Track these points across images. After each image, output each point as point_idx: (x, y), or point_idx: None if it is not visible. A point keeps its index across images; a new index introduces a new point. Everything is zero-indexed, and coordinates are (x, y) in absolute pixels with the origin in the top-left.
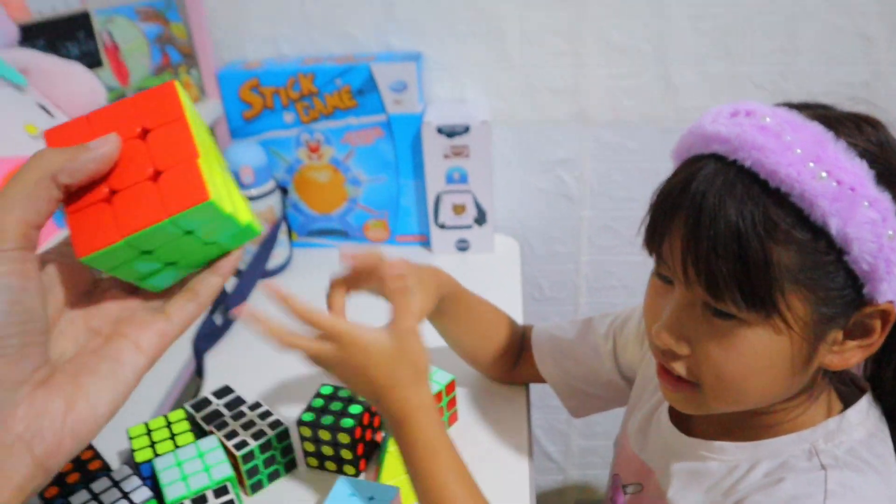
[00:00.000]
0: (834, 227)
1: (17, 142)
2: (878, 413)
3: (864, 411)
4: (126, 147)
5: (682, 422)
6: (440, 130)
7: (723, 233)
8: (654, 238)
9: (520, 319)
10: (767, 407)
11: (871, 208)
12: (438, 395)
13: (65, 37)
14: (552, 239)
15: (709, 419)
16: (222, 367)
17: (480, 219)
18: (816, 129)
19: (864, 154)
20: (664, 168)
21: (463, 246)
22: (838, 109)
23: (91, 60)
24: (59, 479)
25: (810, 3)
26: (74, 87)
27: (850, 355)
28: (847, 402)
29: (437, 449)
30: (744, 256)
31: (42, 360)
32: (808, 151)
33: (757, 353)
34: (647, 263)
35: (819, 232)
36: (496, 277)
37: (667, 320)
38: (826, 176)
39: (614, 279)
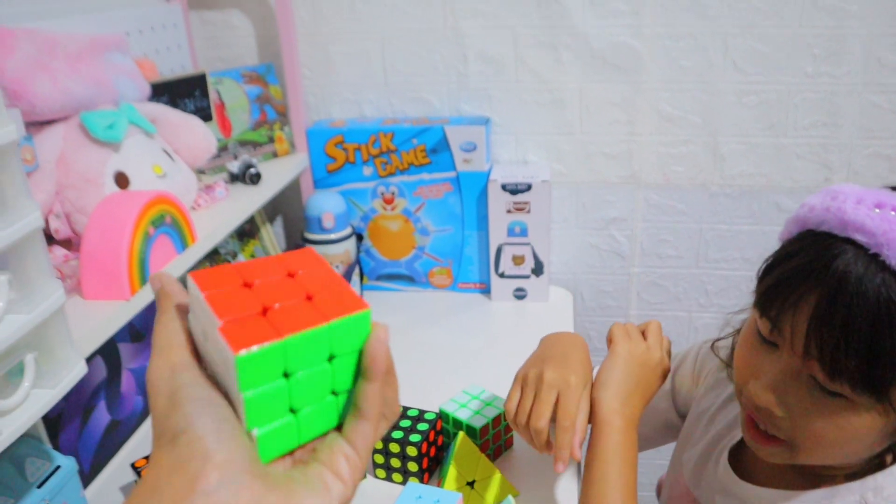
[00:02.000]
0: None
1: (147, 179)
2: None
3: None
4: (276, 282)
5: (740, 463)
6: (504, 187)
7: (859, 321)
8: (775, 306)
9: None
10: (833, 464)
11: None
12: (497, 420)
13: (184, 94)
14: (603, 293)
15: (764, 463)
16: None
17: (538, 270)
18: None
19: None
20: (710, 229)
21: (520, 294)
22: None
23: (203, 115)
24: None
25: (848, 82)
26: (192, 136)
27: None
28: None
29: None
30: (875, 349)
31: None
32: None
33: (856, 430)
34: (692, 320)
35: None
36: (550, 325)
37: (770, 382)
38: None
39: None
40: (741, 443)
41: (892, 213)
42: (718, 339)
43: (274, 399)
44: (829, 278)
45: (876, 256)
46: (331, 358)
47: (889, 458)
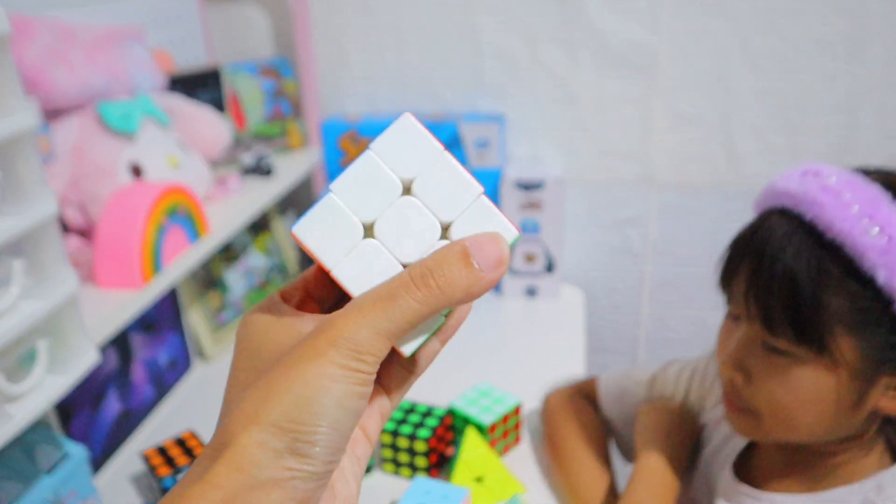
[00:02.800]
0: (881, 277)
1: (161, 170)
2: None
3: None
4: None
5: (744, 471)
6: (518, 184)
7: (780, 275)
8: (725, 277)
9: (581, 366)
10: (822, 448)
11: None
12: (505, 418)
13: (199, 86)
14: (615, 291)
15: (768, 466)
16: None
17: (549, 267)
18: (875, 190)
19: None
20: (724, 229)
21: (532, 291)
22: None
23: (217, 107)
24: (170, 461)
25: (867, 82)
26: (207, 128)
27: None
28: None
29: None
30: (797, 297)
31: None
32: (864, 209)
33: (806, 388)
34: (705, 319)
35: (868, 282)
36: (561, 323)
37: (731, 353)
38: (878, 231)
39: (672, 332)
40: (746, 451)
41: (812, 176)
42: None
43: None
44: (756, 244)
45: (800, 217)
46: None
47: (888, 460)
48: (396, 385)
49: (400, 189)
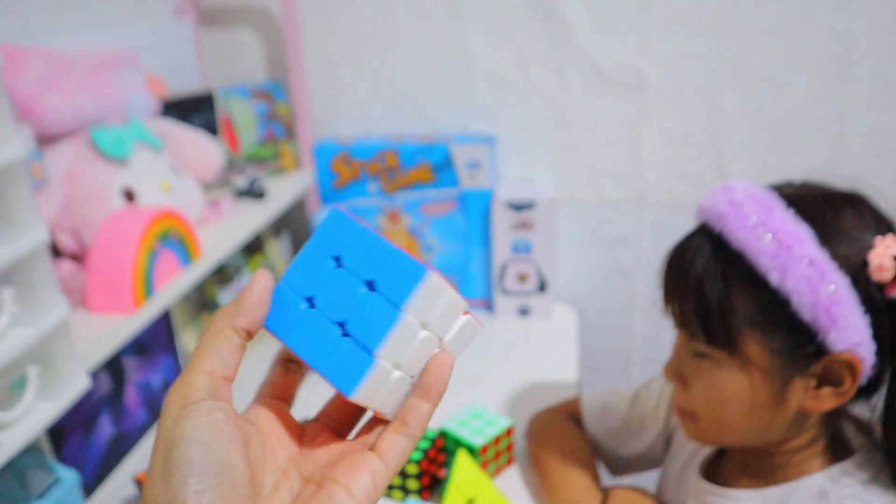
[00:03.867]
0: (774, 280)
1: (154, 195)
2: (879, 463)
3: (866, 460)
4: None
5: (712, 474)
6: (509, 205)
7: (691, 281)
8: (662, 290)
9: (574, 386)
10: (770, 447)
11: (809, 266)
12: (497, 439)
13: (192, 110)
14: (608, 311)
15: (732, 466)
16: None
17: (542, 287)
18: (772, 200)
19: (809, 218)
20: None
21: (524, 311)
22: (824, 187)
23: (211, 131)
24: None
25: (857, 100)
26: (199, 152)
27: (825, 401)
28: (852, 453)
29: None
30: (705, 301)
31: None
32: (762, 219)
33: (726, 388)
34: None
35: (766, 285)
36: (554, 343)
37: (672, 361)
38: (770, 238)
39: (665, 352)
40: (716, 454)
41: (723, 191)
42: None
43: None
44: (676, 255)
45: (710, 230)
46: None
47: (841, 455)
48: (389, 446)
49: (423, 333)
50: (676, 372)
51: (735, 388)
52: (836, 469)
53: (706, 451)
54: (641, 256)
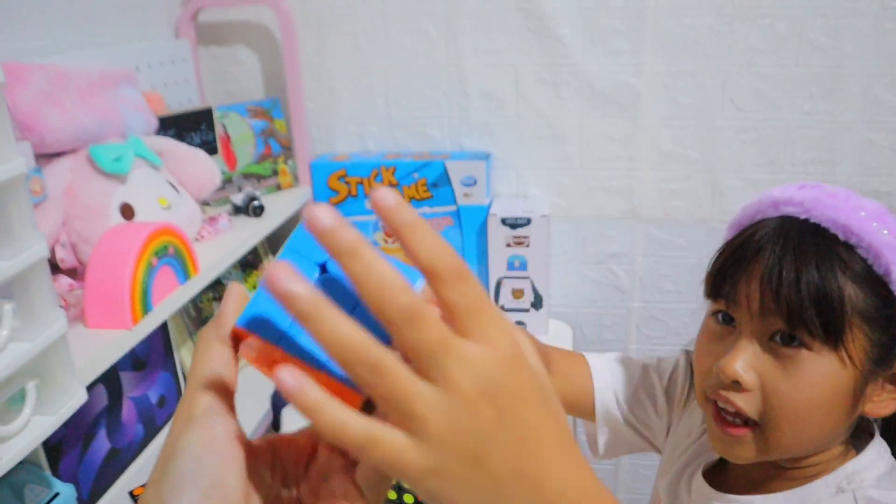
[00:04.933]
0: (895, 273)
1: (152, 211)
2: (889, 451)
3: (878, 452)
4: None
5: (716, 481)
6: (504, 221)
7: (804, 270)
8: (727, 283)
9: None
10: (806, 456)
11: None
12: None
13: (191, 127)
14: (603, 327)
15: (742, 476)
16: (297, 422)
17: (537, 303)
18: (874, 202)
19: None
20: None
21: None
22: None
23: (209, 148)
24: None
25: (846, 120)
26: (197, 169)
27: (886, 405)
28: (856, 446)
29: None
30: (823, 289)
31: None
32: (871, 214)
33: (822, 384)
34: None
35: (881, 279)
36: None
37: (736, 352)
38: (888, 233)
39: None
40: (717, 463)
41: (812, 188)
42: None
43: None
44: (773, 245)
45: (806, 220)
46: None
47: (851, 452)
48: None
49: None
50: (751, 367)
51: (832, 385)
52: (850, 465)
53: (710, 455)
54: (636, 272)
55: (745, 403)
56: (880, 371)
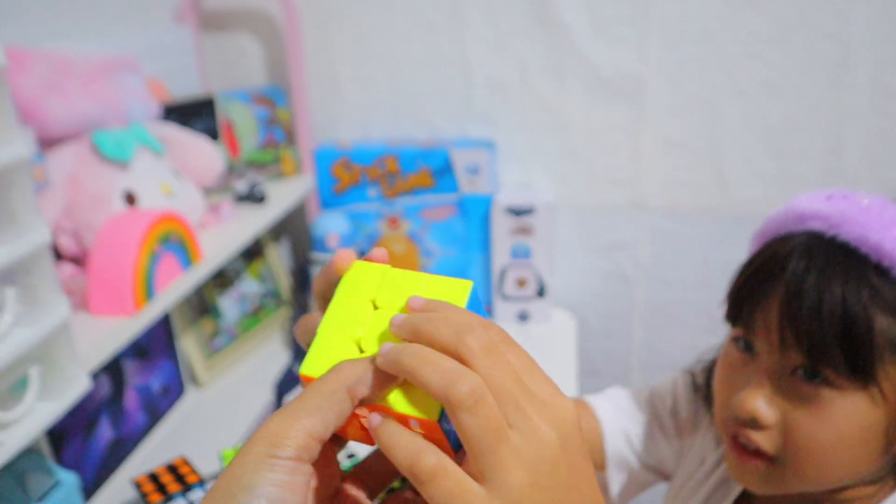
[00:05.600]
0: None
1: (155, 198)
2: None
3: None
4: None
5: None
6: (508, 210)
7: (828, 298)
8: (745, 307)
9: (572, 390)
10: (836, 493)
11: None
12: None
13: (193, 115)
14: (607, 316)
15: None
16: None
17: (541, 292)
18: None
19: None
20: (716, 254)
21: (523, 316)
22: None
23: (212, 135)
24: (161, 488)
25: (855, 107)
26: (200, 156)
27: None
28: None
29: None
30: (848, 321)
31: None
32: None
33: (849, 424)
34: (697, 344)
35: None
36: (553, 348)
37: (755, 386)
38: None
39: (664, 358)
40: (743, 497)
41: (842, 199)
42: (695, 371)
43: None
44: (793, 267)
45: (833, 238)
46: None
47: (890, 481)
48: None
49: None
50: (771, 402)
51: (861, 424)
52: (890, 502)
53: (735, 489)
54: (641, 261)
55: (764, 440)
56: None
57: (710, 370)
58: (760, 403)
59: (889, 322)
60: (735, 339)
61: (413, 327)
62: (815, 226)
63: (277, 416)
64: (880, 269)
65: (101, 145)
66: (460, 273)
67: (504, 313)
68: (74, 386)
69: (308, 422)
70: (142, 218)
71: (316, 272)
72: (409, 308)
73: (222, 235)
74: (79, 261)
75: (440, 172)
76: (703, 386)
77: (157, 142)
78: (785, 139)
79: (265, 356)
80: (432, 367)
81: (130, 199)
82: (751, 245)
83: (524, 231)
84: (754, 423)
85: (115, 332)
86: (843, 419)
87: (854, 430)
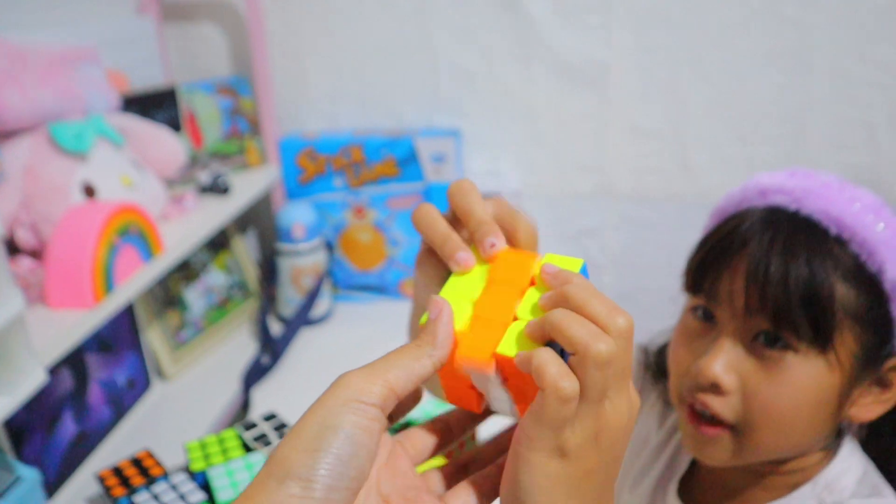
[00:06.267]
0: (890, 272)
1: (114, 190)
2: (860, 449)
3: (850, 452)
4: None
5: (686, 493)
6: None
7: (794, 267)
8: (708, 277)
9: None
10: (780, 465)
11: None
12: None
13: (155, 106)
14: None
15: (717, 487)
16: (266, 402)
17: None
18: (869, 192)
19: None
20: (682, 240)
21: None
22: None
23: (174, 126)
24: (125, 481)
25: (818, 93)
26: (162, 148)
27: (871, 409)
28: (832, 448)
29: None
30: (812, 288)
31: None
32: (867, 206)
33: (807, 388)
34: (668, 331)
35: (873, 277)
36: None
37: (716, 352)
38: (884, 227)
39: (634, 344)
40: (689, 474)
41: (804, 176)
42: (649, 345)
43: None
44: (760, 237)
45: (797, 211)
46: None
47: (826, 454)
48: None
49: None
50: (733, 369)
51: (817, 388)
52: (828, 474)
53: (681, 467)
54: (609, 248)
55: (723, 408)
56: (867, 373)
57: (662, 348)
58: (721, 369)
59: (848, 290)
60: (693, 309)
61: (569, 295)
62: (778, 200)
63: (361, 371)
64: (840, 241)
65: (59, 137)
66: None
67: None
68: (30, 380)
69: (391, 376)
70: (100, 210)
71: (284, 263)
72: (543, 273)
73: (185, 227)
74: (37, 254)
75: (405, 161)
76: (653, 364)
77: (117, 133)
78: (749, 125)
79: (233, 348)
80: (580, 324)
81: (89, 191)
82: (709, 220)
83: None
84: (715, 389)
85: (73, 325)
86: (802, 383)
87: (811, 394)
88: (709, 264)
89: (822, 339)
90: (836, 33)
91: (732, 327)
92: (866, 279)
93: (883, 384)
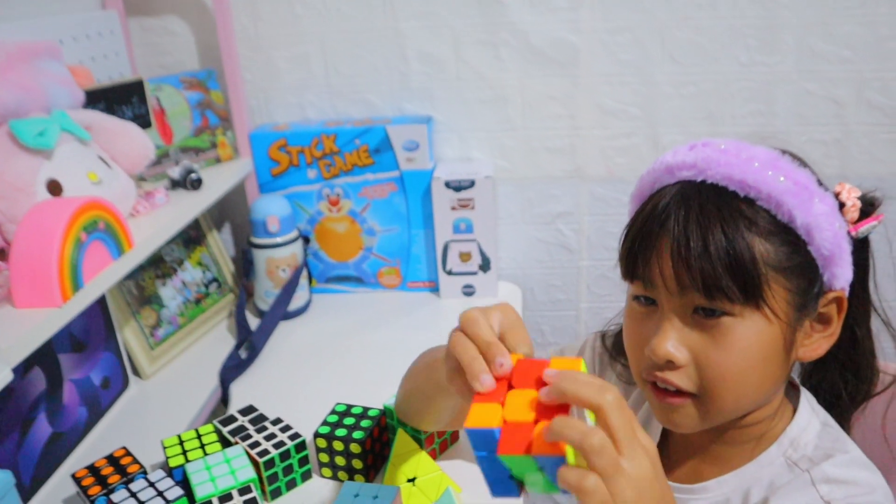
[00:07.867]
0: (799, 218)
1: (81, 186)
2: (815, 401)
3: (809, 407)
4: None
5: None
6: (448, 185)
7: (712, 236)
8: (639, 262)
9: None
10: (741, 420)
11: (821, 202)
12: None
13: (121, 101)
14: (552, 287)
15: (684, 449)
16: (245, 397)
17: (485, 266)
18: (764, 149)
19: (803, 165)
20: None
21: (469, 291)
22: None
23: (142, 122)
24: (102, 480)
25: (782, 71)
26: (129, 143)
27: (818, 346)
28: (791, 399)
29: None
30: (733, 252)
31: None
32: (765, 163)
33: (753, 345)
34: (620, 315)
35: (786, 227)
36: None
37: (663, 332)
38: (784, 179)
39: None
40: (661, 445)
41: (703, 146)
42: (606, 331)
43: None
44: (675, 217)
45: (703, 182)
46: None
47: (787, 409)
48: None
49: None
50: (683, 344)
51: (762, 343)
52: (792, 430)
53: (652, 438)
54: (582, 230)
55: (682, 380)
56: (806, 315)
57: (619, 332)
58: (671, 346)
59: (765, 245)
60: (636, 297)
61: (560, 389)
62: (685, 175)
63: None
64: (748, 201)
65: (20, 133)
66: (403, 249)
67: (449, 290)
68: None
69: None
70: (65, 206)
71: (260, 257)
72: (546, 377)
73: (156, 222)
74: (3, 254)
75: (378, 150)
76: (611, 347)
77: (82, 129)
78: (716, 104)
79: (211, 344)
80: (586, 385)
81: (55, 188)
82: (630, 207)
83: (465, 205)
84: (670, 365)
85: (41, 324)
86: (747, 342)
87: (758, 350)
88: (637, 251)
89: (753, 298)
90: (802, 11)
91: (671, 306)
92: (780, 230)
93: (823, 321)
